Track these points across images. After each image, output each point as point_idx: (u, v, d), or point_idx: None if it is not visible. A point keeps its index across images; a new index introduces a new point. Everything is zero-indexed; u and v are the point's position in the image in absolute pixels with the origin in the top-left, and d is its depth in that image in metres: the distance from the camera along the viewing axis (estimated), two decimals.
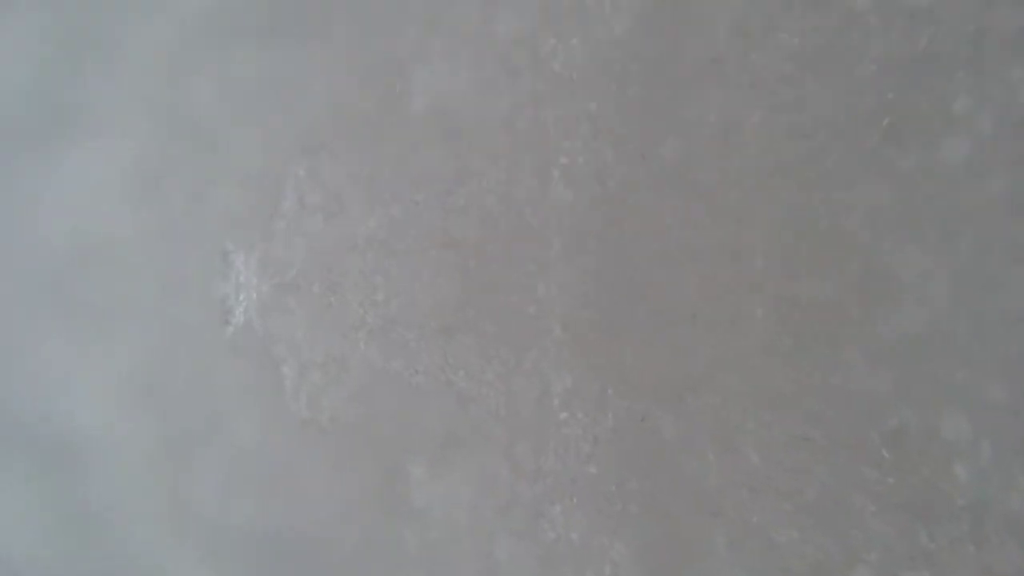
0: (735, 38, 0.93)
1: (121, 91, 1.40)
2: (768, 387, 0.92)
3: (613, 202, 1.01)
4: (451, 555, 1.16)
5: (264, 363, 1.28)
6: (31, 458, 1.50)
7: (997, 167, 0.77)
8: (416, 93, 1.15)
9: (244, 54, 1.27)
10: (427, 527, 1.17)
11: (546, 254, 1.06)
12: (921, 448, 0.83)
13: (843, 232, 0.89)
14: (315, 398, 1.25)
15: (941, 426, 0.82)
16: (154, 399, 1.38)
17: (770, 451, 0.92)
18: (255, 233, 1.28)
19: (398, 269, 1.16)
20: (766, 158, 0.92)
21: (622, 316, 1.02)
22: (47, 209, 1.46)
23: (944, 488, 0.80)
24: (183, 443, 1.37)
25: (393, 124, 1.16)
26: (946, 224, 0.81)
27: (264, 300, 1.28)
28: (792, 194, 0.91)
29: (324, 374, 1.23)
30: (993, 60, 0.77)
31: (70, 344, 1.46)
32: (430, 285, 1.14)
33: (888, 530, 0.85)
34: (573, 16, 1.05)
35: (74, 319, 1.45)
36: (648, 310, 1.00)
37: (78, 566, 1.49)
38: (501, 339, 1.09)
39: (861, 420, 0.89)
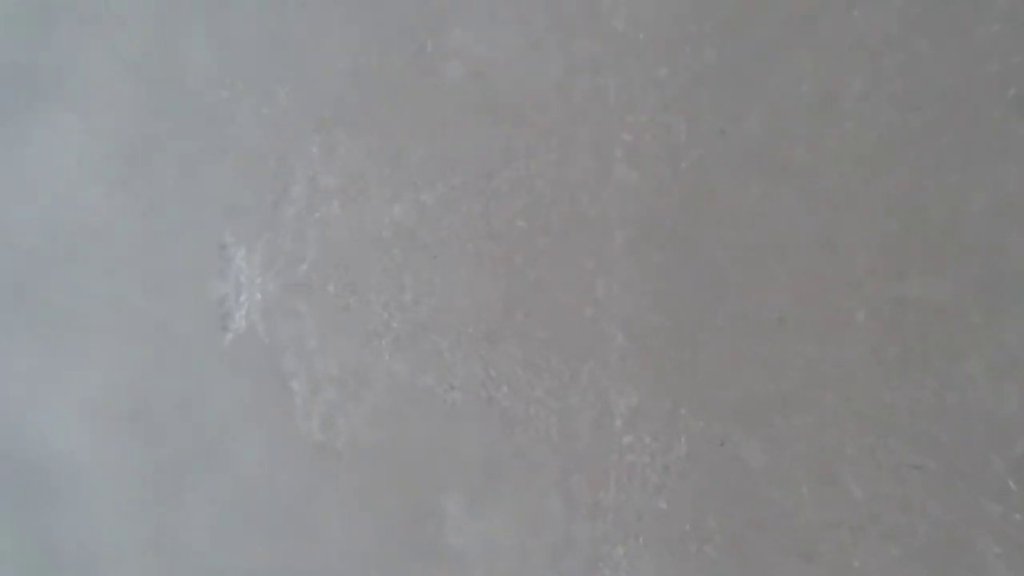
0: None
1: (99, 54, 1.53)
2: (872, 406, 1.05)
3: (686, 186, 1.14)
4: None
5: (269, 377, 1.41)
6: None
7: None
8: (451, 56, 1.28)
9: (245, 10, 1.41)
10: (464, 574, 1.34)
11: (606, 248, 1.19)
12: None
13: (960, 221, 1.01)
14: (330, 419, 1.38)
15: None
16: (139, 421, 1.52)
17: (874, 482, 1.04)
18: (259, 222, 1.41)
19: (430, 265, 1.30)
20: (868, 134, 1.06)
21: (697, 321, 1.14)
22: (9, 195, 1.59)
23: None
24: (173, 472, 1.50)
25: (423, 93, 1.30)
26: None
27: (269, 302, 1.41)
28: (899, 176, 1.04)
29: (341, 390, 1.37)
30: None
31: (38, 357, 1.59)
32: (468, 284, 1.27)
33: None
34: None
35: (43, 326, 1.58)
36: (728, 314, 1.13)
37: None
38: (553, 348, 1.23)
39: (983, 445, 1.01)
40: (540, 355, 1.24)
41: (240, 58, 1.44)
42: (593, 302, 1.20)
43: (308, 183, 1.39)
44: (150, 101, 1.52)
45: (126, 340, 1.54)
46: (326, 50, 1.38)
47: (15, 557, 1.64)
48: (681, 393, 1.15)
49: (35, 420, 1.61)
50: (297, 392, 1.41)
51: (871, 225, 1.04)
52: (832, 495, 1.07)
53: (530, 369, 1.25)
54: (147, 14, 1.52)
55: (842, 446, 1.06)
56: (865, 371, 1.04)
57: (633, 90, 1.18)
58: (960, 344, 1.00)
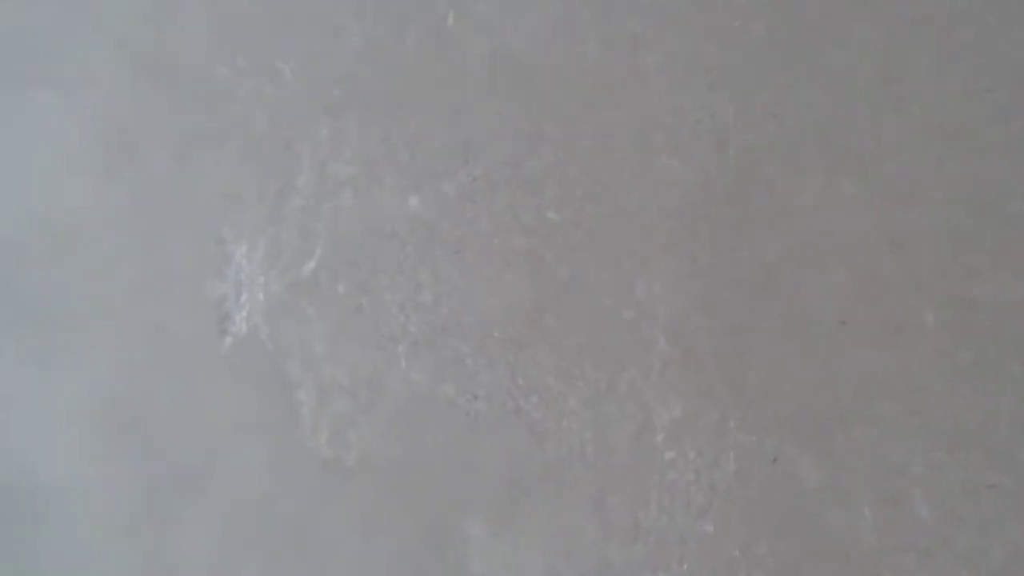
0: None
1: (82, 26, 1.58)
2: (941, 418, 1.10)
3: (734, 175, 1.20)
4: None
5: (273, 386, 1.46)
6: None
7: None
8: (475, 31, 1.34)
9: None
10: None
11: (647, 243, 1.25)
12: None
13: None
14: (340, 432, 1.43)
15: None
16: (129, 434, 1.56)
17: (944, 502, 1.09)
18: (261, 215, 1.46)
19: (450, 262, 1.36)
20: (935, 118, 1.11)
21: (747, 324, 1.20)
22: None
23: None
24: (167, 491, 1.54)
25: (444, 72, 1.36)
26: None
27: (273, 303, 1.46)
28: (970, 165, 1.09)
29: (352, 400, 1.43)
30: None
31: (17, 364, 1.62)
32: (493, 283, 1.33)
33: None
34: None
35: (21, 330, 1.61)
36: (782, 316, 1.18)
37: None
38: (587, 354, 1.29)
39: None
40: (573, 362, 1.29)
41: (241, 32, 1.48)
42: (632, 303, 1.26)
43: (316, 171, 1.45)
44: (140, 79, 1.56)
45: (114, 345, 1.58)
46: (336, 23, 1.43)
47: None
48: (729, 404, 1.20)
49: (13, 434, 1.64)
50: (303, 402, 1.46)
51: (939, 219, 1.09)
52: (897, 516, 1.11)
53: (562, 377, 1.30)
54: None
55: (908, 462, 1.11)
56: (933, 379, 1.09)
57: (676, 69, 1.23)
58: None
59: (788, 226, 1.18)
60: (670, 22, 1.25)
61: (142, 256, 1.57)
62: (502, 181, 1.34)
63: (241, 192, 1.50)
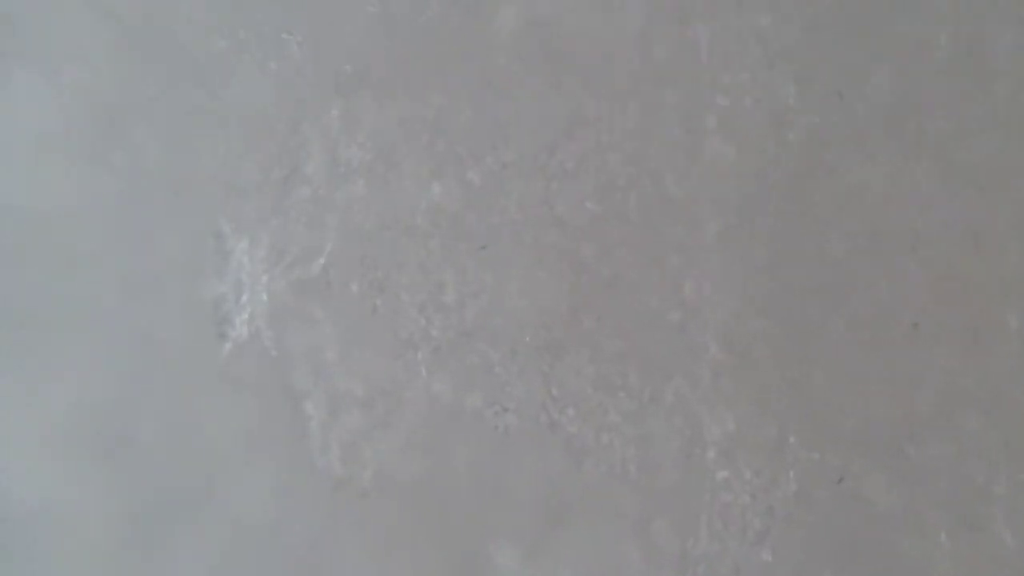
0: None
1: None
2: None
3: (795, 162, 1.25)
4: None
5: (278, 397, 1.49)
6: None
7: None
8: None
9: None
10: None
11: (696, 238, 1.30)
12: None
13: None
14: (353, 449, 1.47)
15: None
16: (117, 454, 1.57)
17: None
18: (264, 206, 1.50)
19: (477, 259, 1.40)
20: (1022, 96, 1.17)
21: (809, 328, 1.25)
22: None
23: None
24: (160, 518, 1.56)
25: (469, 45, 1.41)
26: None
27: (277, 305, 1.50)
28: None
29: (366, 414, 1.46)
30: None
31: None
32: (526, 283, 1.38)
33: None
34: None
35: None
36: (849, 319, 1.23)
37: None
38: (630, 361, 1.34)
39: None
40: (614, 370, 1.34)
41: (242, 1, 1.53)
42: (680, 305, 1.31)
43: (326, 157, 1.49)
44: (130, 54, 1.59)
45: (99, 352, 1.59)
46: None
47: None
48: (789, 417, 1.25)
49: None
50: (312, 416, 1.50)
51: None
52: (978, 543, 1.17)
53: (602, 387, 1.35)
54: None
55: (990, 482, 1.16)
56: (1017, 388, 1.15)
57: (729, 43, 1.29)
58: None
59: (855, 218, 1.22)
60: None
61: (130, 252, 1.58)
62: (535, 168, 1.37)
63: (242, 180, 1.53)
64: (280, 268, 1.53)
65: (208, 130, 1.56)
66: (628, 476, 1.35)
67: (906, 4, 1.18)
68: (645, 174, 1.33)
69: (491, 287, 1.42)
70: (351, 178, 1.49)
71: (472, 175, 1.42)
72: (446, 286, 1.44)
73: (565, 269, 1.37)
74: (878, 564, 1.23)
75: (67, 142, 1.64)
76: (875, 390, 1.23)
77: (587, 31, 1.37)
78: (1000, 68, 1.15)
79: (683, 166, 1.32)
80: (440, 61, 1.44)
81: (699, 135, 1.31)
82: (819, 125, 1.25)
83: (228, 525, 1.56)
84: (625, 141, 1.34)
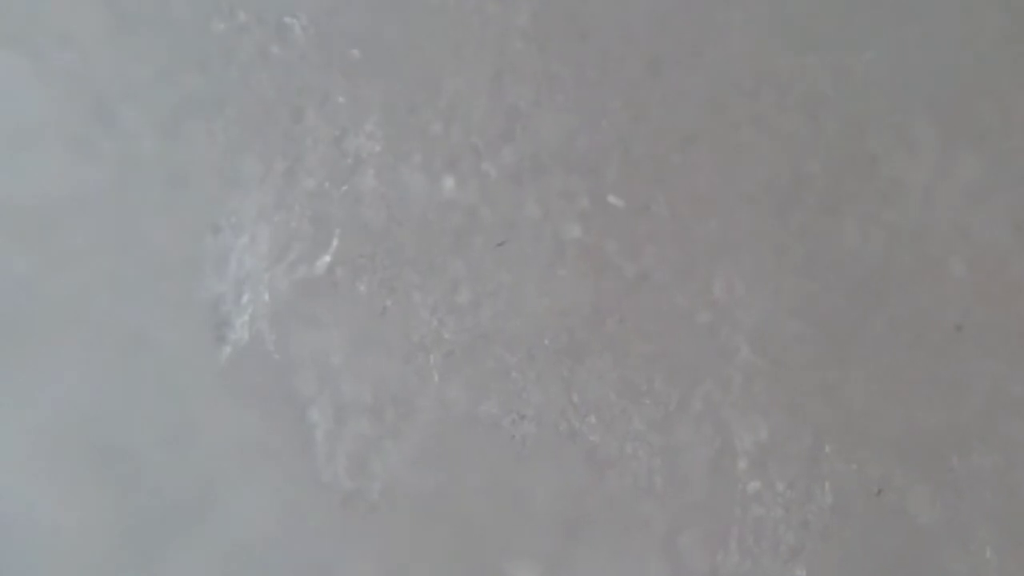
0: None
1: None
2: None
3: (832, 152, 1.24)
4: None
5: (281, 405, 1.48)
6: None
7: None
8: None
9: None
10: None
11: (727, 233, 1.30)
12: None
13: None
14: (361, 460, 1.46)
15: None
16: (107, 465, 1.57)
17: None
18: (266, 200, 1.50)
19: (493, 256, 1.40)
20: None
21: (847, 328, 1.25)
22: None
23: None
24: (153, 533, 1.55)
25: (484, 26, 1.41)
26: None
27: (280, 305, 1.49)
28: None
29: (375, 422, 1.46)
30: None
31: None
32: (544, 281, 1.38)
33: None
34: None
35: None
36: (887, 320, 1.23)
37: None
38: (657, 365, 1.33)
39: None
40: (640, 375, 1.34)
41: None
42: (709, 304, 1.31)
43: (332, 146, 1.49)
44: (121, 36, 1.60)
45: (89, 356, 1.59)
46: None
47: None
48: (825, 425, 1.25)
49: None
50: (317, 425, 1.49)
51: None
52: None
53: (626, 393, 1.35)
54: None
55: None
56: None
57: (761, 24, 1.28)
58: None
59: (895, 212, 1.22)
60: None
61: (122, 249, 1.59)
62: (554, 159, 1.38)
63: (242, 171, 1.53)
64: (283, 266, 1.52)
65: (205, 118, 1.56)
66: (654, 488, 1.35)
67: None
68: (670, 165, 1.33)
69: (508, 286, 1.41)
70: (359, 170, 1.49)
71: (488, 167, 1.42)
72: (460, 285, 1.43)
73: (587, 267, 1.37)
74: None
75: (53, 130, 1.64)
76: (917, 396, 1.22)
77: (608, 11, 1.36)
78: None
79: (711, 156, 1.32)
80: (453, 44, 1.44)
81: (728, 124, 1.31)
82: (855, 113, 1.24)
83: (226, 542, 1.56)
84: (649, 130, 1.35)
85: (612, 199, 1.38)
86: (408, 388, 1.47)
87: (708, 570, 1.34)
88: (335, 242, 1.51)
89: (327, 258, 1.51)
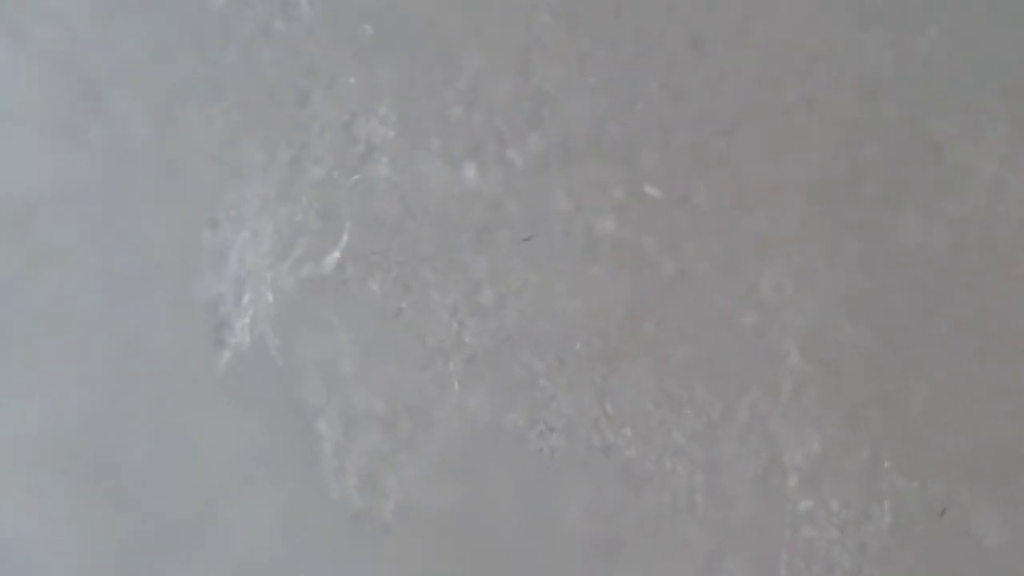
0: None
1: None
2: None
3: (891, 138, 1.25)
4: None
5: (285, 415, 1.52)
6: None
7: None
8: None
9: None
10: None
11: (776, 227, 1.30)
12: None
13: None
14: (373, 476, 1.50)
15: None
16: (99, 479, 1.62)
17: None
18: (268, 188, 1.54)
19: (519, 252, 1.42)
20: None
21: (906, 333, 1.26)
22: None
23: None
24: (149, 553, 1.61)
25: (510, 1, 1.42)
26: None
27: (284, 306, 1.53)
28: None
29: (389, 435, 1.49)
30: None
31: None
32: (575, 280, 1.39)
33: None
34: None
35: None
36: (952, 323, 1.23)
37: None
38: (698, 372, 1.34)
39: None
40: (680, 383, 1.35)
41: None
42: (756, 305, 1.33)
43: (342, 132, 1.52)
44: (113, 14, 1.65)
45: (79, 361, 1.64)
46: None
47: None
48: (884, 439, 1.27)
49: None
50: (325, 437, 1.53)
51: None
52: None
53: (665, 403, 1.36)
54: None
55: None
56: None
57: (815, 3, 1.28)
58: None
59: (960, 204, 1.23)
60: None
61: (113, 245, 1.63)
62: (585, 146, 1.39)
63: (243, 160, 1.56)
64: (287, 264, 1.54)
65: (203, 103, 1.58)
66: (695, 507, 1.36)
67: None
68: (713, 153, 1.34)
69: (535, 286, 1.43)
70: (371, 158, 1.50)
71: (512, 154, 1.43)
72: (482, 285, 1.45)
73: (621, 264, 1.38)
74: None
75: (40, 116, 1.67)
76: (984, 406, 1.23)
77: None
78: None
79: (758, 143, 1.32)
80: (474, 21, 1.45)
81: (777, 107, 1.32)
82: (917, 95, 1.24)
83: (228, 563, 1.58)
84: (690, 114, 1.35)
85: (649, 190, 1.37)
86: (425, 397, 1.48)
87: None
88: (345, 237, 1.52)
89: (336, 254, 1.53)
